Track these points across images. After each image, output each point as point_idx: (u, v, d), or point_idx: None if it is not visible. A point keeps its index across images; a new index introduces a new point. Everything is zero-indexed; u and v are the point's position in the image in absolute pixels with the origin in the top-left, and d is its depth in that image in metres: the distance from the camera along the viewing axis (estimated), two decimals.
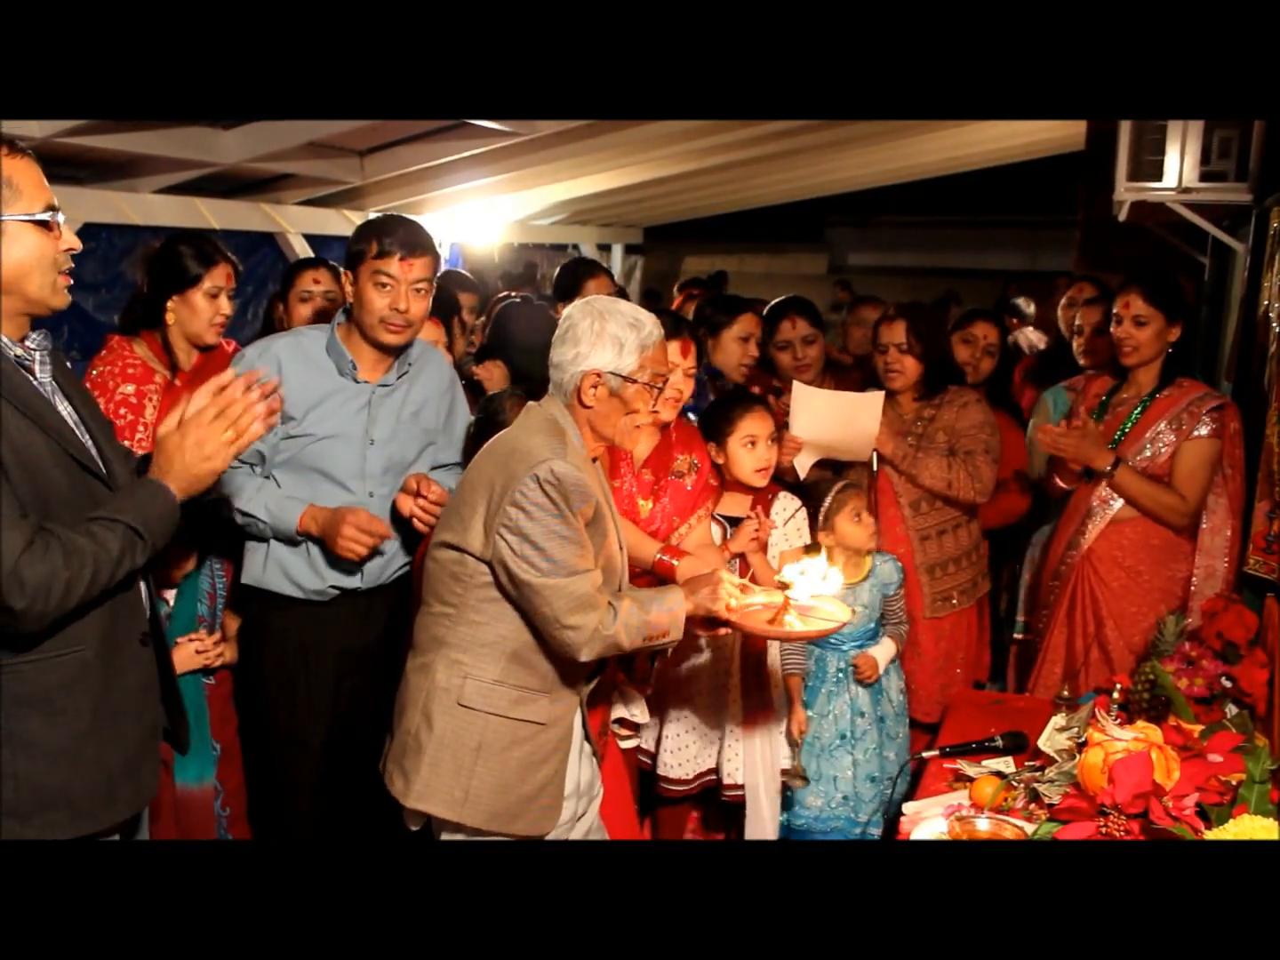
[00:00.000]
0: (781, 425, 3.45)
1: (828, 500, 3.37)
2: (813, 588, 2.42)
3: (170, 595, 2.91)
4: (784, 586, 2.43)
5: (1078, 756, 2.52)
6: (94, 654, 1.95)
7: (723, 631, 2.53)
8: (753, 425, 3.17)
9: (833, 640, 3.33)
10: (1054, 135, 7.72)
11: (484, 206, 7.40)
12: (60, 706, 1.91)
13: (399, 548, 2.96)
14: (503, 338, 4.45)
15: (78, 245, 1.95)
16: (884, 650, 3.42)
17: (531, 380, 3.65)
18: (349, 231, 6.34)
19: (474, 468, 2.39)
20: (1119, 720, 2.50)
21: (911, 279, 14.63)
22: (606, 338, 2.32)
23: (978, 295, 12.37)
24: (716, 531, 3.23)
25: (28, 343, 1.95)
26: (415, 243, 2.79)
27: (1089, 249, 5.98)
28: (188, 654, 2.87)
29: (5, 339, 1.90)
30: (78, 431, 1.99)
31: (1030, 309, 7.72)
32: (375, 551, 2.85)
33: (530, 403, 2.45)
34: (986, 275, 13.35)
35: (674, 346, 2.95)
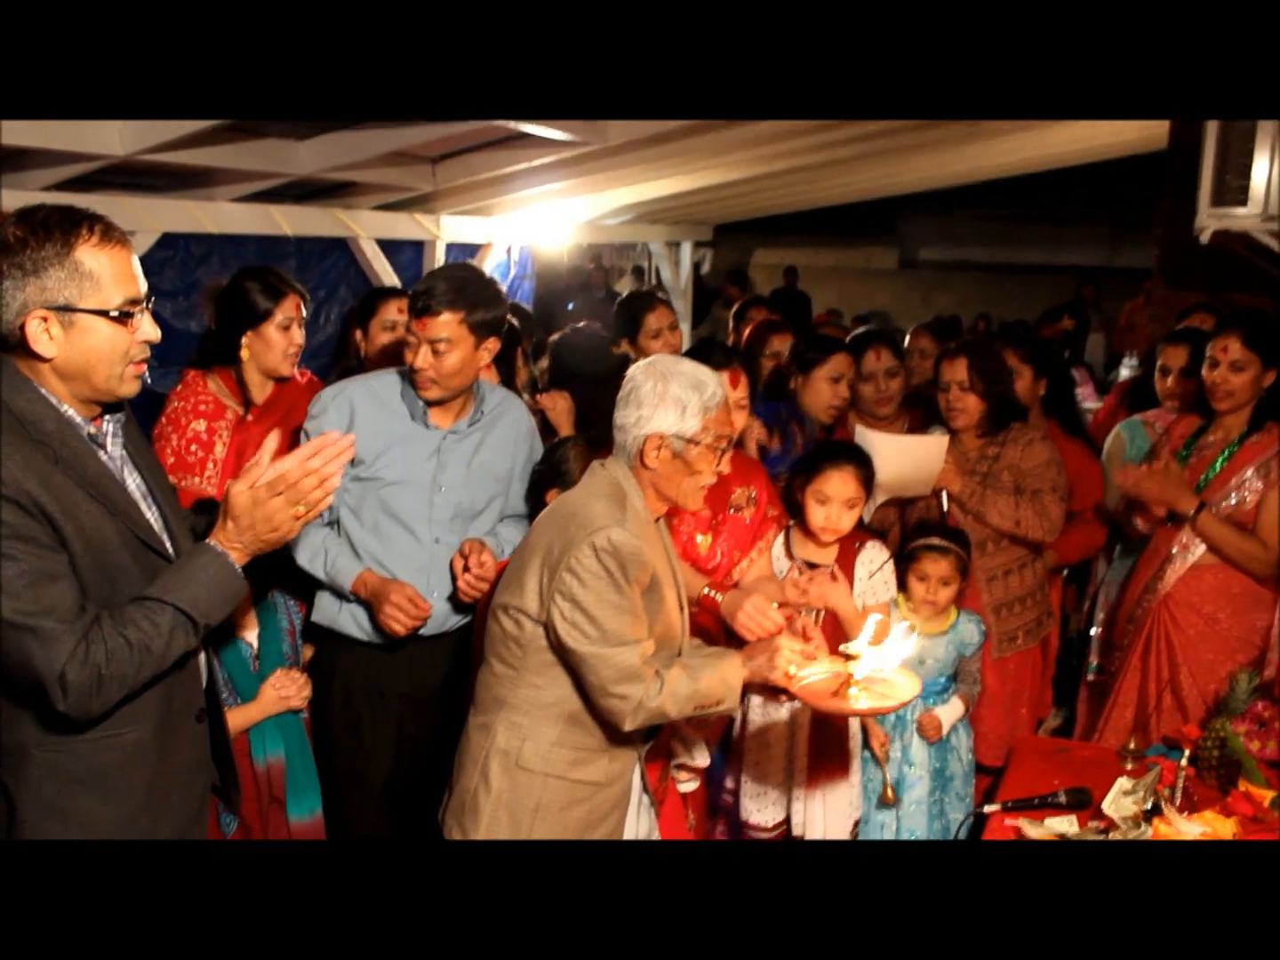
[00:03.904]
0: None
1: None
2: (877, 662, 2.36)
3: (253, 637, 2.91)
4: (849, 658, 2.38)
5: (1143, 825, 2.49)
6: (149, 733, 1.96)
7: (783, 698, 2.51)
8: (829, 484, 3.08)
9: None
10: (1133, 138, 7.50)
11: (554, 209, 7.38)
12: (115, 785, 1.93)
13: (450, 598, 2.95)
14: (564, 371, 4.45)
15: (156, 337, 1.91)
16: (951, 710, 3.35)
17: (595, 414, 3.66)
18: (420, 236, 6.46)
19: (535, 530, 2.39)
20: (1184, 811, 2.47)
21: (985, 274, 14.41)
22: (669, 400, 2.30)
23: (1054, 292, 12.20)
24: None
25: (104, 419, 1.95)
26: (428, 302, 2.71)
27: (1168, 267, 5.80)
28: (273, 698, 2.87)
29: (79, 418, 1.90)
30: (144, 505, 1.99)
31: None
32: (415, 630, 2.85)
33: (595, 463, 2.43)
34: (1062, 271, 13.10)
35: (723, 378, 2.91)
